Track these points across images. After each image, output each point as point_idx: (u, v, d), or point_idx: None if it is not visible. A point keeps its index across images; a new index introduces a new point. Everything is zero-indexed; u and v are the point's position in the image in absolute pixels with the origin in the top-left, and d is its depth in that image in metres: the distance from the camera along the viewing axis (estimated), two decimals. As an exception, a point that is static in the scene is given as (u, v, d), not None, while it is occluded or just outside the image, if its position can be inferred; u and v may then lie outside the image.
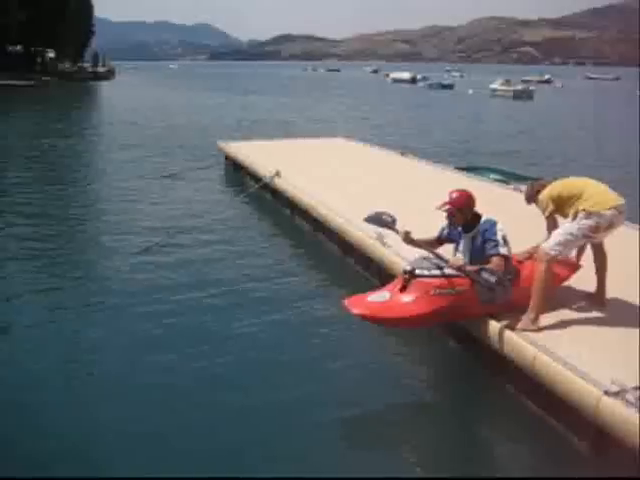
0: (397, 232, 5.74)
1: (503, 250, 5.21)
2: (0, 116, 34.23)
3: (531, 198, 5.79)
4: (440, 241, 5.85)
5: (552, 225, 5.51)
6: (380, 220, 5.89)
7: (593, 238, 5.30)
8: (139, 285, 7.83)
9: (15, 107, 41.21)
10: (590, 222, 5.13)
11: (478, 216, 5.47)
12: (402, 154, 14.94)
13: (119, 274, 8.23)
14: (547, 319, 5.21)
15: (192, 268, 8.49)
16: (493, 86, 62.53)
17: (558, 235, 5.22)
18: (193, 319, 6.75)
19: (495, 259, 5.19)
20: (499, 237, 5.25)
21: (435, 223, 8.52)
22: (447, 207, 5.45)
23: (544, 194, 5.53)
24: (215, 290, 7.63)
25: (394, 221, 5.80)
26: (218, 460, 4.39)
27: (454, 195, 5.50)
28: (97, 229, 10.76)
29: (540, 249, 5.26)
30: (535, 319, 5.10)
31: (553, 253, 5.15)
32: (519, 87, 60.61)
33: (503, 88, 60.34)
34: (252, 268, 8.50)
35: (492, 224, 5.35)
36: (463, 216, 5.46)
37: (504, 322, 5.16)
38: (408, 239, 5.66)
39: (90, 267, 8.67)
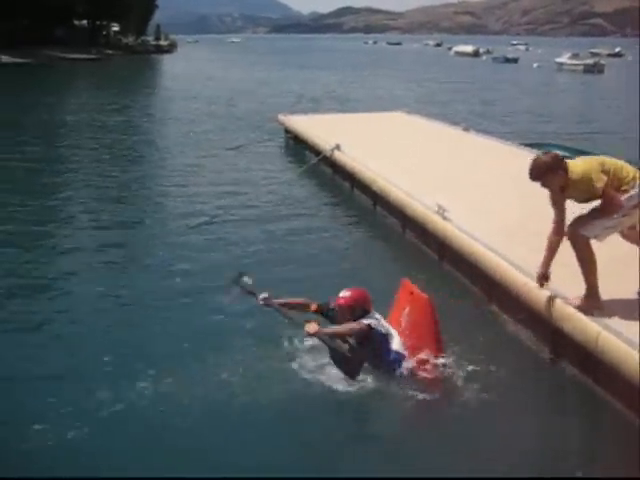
0: (256, 297, 5.20)
1: (367, 321, 4.89)
2: (67, 90, 35.24)
3: (543, 174, 4.87)
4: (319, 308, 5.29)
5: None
6: (239, 282, 5.31)
7: (630, 216, 4.90)
8: (198, 257, 7.88)
9: (81, 81, 42.33)
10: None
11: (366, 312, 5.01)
12: (464, 129, 14.68)
13: (182, 243, 8.40)
14: (609, 297, 5.09)
15: (249, 241, 8.53)
16: (560, 60, 60.43)
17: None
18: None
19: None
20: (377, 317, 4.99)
21: (497, 199, 8.40)
22: (339, 305, 5.07)
23: (585, 169, 4.83)
24: (272, 262, 7.60)
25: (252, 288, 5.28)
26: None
27: (349, 293, 5.06)
28: (159, 200, 11.01)
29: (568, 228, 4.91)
30: (596, 297, 4.98)
31: (584, 232, 4.85)
32: (589, 61, 58.40)
33: (571, 62, 58.27)
34: (310, 241, 8.53)
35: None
36: (351, 316, 5.02)
37: (567, 300, 5.07)
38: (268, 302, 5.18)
39: (150, 239, 8.80)
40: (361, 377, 4.87)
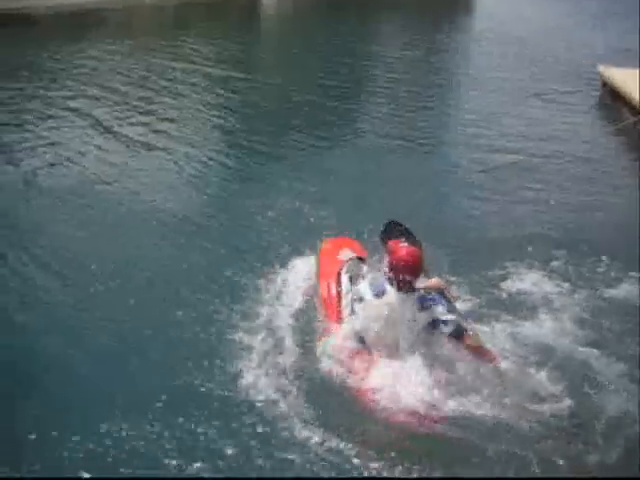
0: None
1: None
2: (375, 21, 36.20)
3: None
4: None
5: None
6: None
7: None
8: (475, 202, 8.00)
9: (390, 14, 42.97)
10: None
11: None
12: None
13: (462, 189, 8.63)
14: None
15: (534, 193, 8.36)
16: None
17: None
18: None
19: None
20: None
21: None
22: None
23: None
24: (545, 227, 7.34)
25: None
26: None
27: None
28: (446, 139, 11.28)
29: None
30: None
31: None
32: None
33: None
34: (590, 214, 7.89)
35: None
36: None
37: None
38: None
39: (428, 183, 8.98)
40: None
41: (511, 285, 5.74)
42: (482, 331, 4.77)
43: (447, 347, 4.29)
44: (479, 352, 4.25)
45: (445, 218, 7.53)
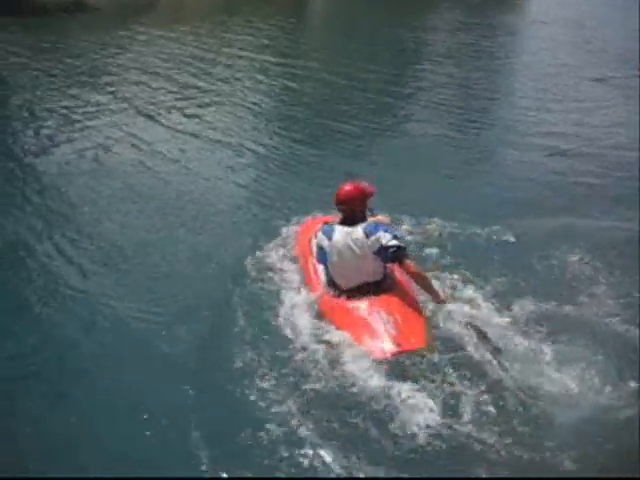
0: None
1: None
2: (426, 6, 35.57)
3: None
4: None
5: None
6: None
7: None
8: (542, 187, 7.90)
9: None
10: None
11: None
12: None
13: (518, 172, 8.58)
14: None
15: (590, 178, 8.19)
16: None
17: None
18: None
19: None
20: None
21: None
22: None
23: None
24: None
25: None
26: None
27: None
28: (501, 123, 11.10)
29: None
30: None
31: None
32: None
33: None
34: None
35: None
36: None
37: None
38: None
39: (496, 167, 8.93)
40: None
41: (556, 264, 5.63)
42: (529, 305, 4.80)
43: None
44: (418, 277, 4.54)
45: (498, 199, 7.40)
